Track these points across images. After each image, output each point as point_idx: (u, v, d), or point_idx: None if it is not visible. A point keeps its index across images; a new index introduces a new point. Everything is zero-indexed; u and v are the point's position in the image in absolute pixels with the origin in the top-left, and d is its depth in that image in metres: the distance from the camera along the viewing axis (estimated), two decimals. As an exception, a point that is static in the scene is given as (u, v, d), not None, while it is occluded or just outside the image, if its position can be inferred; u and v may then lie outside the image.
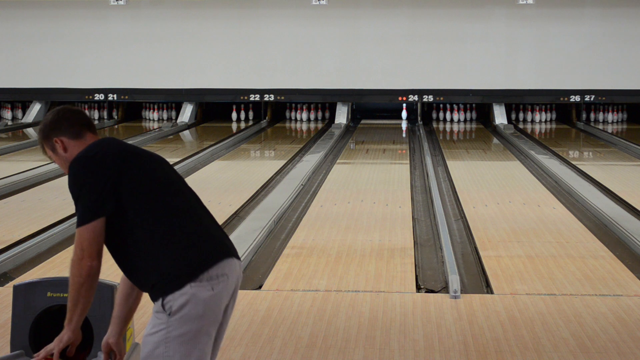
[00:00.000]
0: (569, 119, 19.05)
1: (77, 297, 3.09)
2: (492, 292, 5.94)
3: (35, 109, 19.08)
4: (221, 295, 3.09)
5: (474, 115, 19.42)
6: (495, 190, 10.14)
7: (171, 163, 11.98)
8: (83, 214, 3.05)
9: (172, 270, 3.05)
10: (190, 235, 3.09)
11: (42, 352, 3.22)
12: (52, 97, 19.15)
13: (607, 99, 18.48)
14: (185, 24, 18.57)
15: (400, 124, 19.06)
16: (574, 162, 12.40)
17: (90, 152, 3.11)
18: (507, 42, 18.39)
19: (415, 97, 18.54)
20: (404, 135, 17.24)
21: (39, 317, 3.52)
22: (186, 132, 17.55)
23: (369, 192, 10.00)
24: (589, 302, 5.66)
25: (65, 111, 3.24)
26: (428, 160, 12.45)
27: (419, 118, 18.79)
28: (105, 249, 3.13)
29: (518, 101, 18.88)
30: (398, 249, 7.17)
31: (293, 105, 19.40)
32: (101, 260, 3.08)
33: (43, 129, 3.25)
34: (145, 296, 3.18)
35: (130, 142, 15.99)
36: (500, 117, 18.23)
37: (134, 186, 3.08)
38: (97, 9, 18.62)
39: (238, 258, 3.21)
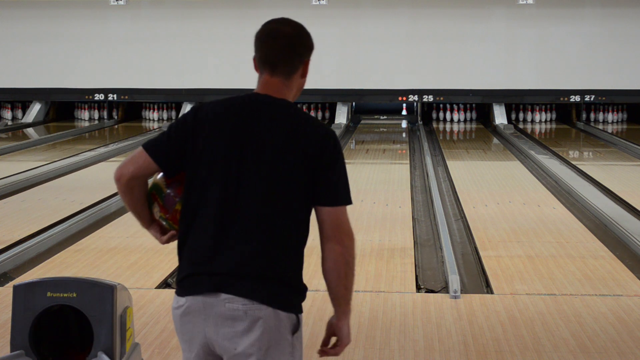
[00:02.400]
0: (569, 119, 19.05)
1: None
2: (492, 292, 5.94)
3: (35, 109, 19.08)
4: (184, 321, 2.79)
5: (474, 115, 19.42)
6: (495, 190, 10.13)
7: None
8: (145, 142, 2.87)
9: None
10: (188, 246, 2.81)
11: None
12: (52, 97, 19.15)
13: (607, 99, 18.47)
14: (185, 24, 18.57)
15: (400, 124, 19.07)
16: (574, 162, 12.40)
17: (191, 110, 2.85)
18: (507, 42, 18.39)
19: (415, 97, 18.54)
20: (404, 135, 17.23)
21: (39, 317, 3.52)
22: (186, 132, 17.53)
23: (369, 192, 10.00)
24: (589, 302, 5.66)
25: (264, 34, 2.86)
26: (428, 160, 12.45)
27: (419, 118, 18.79)
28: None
29: (518, 101, 18.88)
30: (398, 249, 7.17)
31: (293, 105, 19.37)
32: (122, 177, 2.82)
33: None
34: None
35: (130, 142, 15.94)
36: (500, 117, 18.23)
37: (190, 164, 2.81)
38: (97, 9, 18.62)
39: (222, 292, 2.74)
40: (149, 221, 2.95)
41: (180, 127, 2.82)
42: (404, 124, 19.14)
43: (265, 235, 2.74)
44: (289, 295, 2.81)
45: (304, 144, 2.76)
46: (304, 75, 2.88)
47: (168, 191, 2.91)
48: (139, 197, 2.89)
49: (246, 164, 2.75)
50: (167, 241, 2.95)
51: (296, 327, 2.83)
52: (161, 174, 2.91)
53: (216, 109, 2.82)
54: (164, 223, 2.95)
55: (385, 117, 19.63)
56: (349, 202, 2.82)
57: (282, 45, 2.83)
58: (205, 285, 2.74)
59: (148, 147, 2.84)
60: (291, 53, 2.84)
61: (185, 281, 2.80)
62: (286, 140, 2.76)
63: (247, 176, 2.75)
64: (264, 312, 2.73)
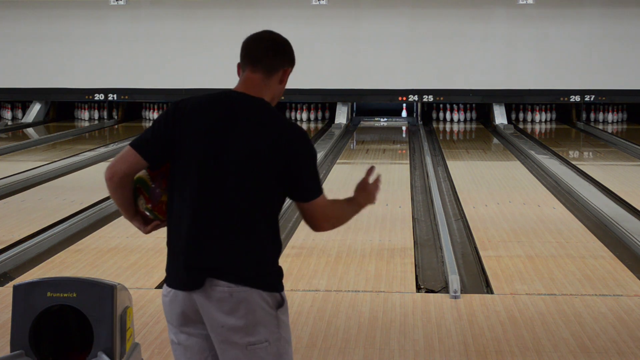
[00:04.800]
0: (569, 119, 19.05)
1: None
2: (492, 292, 5.94)
3: (35, 109, 19.08)
4: (167, 306, 2.99)
5: (474, 115, 19.42)
6: (495, 190, 10.14)
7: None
8: (133, 140, 3.01)
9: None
10: (171, 239, 2.97)
11: None
12: (52, 97, 19.15)
13: (607, 99, 18.47)
14: (185, 24, 18.57)
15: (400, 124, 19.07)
16: (574, 162, 12.40)
17: (172, 105, 2.99)
18: (507, 42, 18.39)
19: (415, 97, 18.54)
20: (404, 135, 17.24)
21: (39, 317, 3.52)
22: (186, 132, 17.52)
23: (369, 192, 9.98)
24: (589, 302, 5.66)
25: (249, 38, 3.02)
26: (428, 160, 12.45)
27: (419, 118, 18.79)
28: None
29: (518, 101, 18.88)
30: (398, 249, 7.17)
31: (293, 105, 19.40)
32: (115, 175, 2.96)
33: None
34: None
35: (130, 142, 16.12)
36: (500, 117, 18.23)
37: (173, 157, 2.94)
38: (97, 9, 18.62)
39: (195, 288, 2.91)
40: (133, 213, 3.07)
41: (162, 121, 2.97)
42: (404, 114, 19.18)
43: (241, 227, 2.87)
44: (268, 277, 2.92)
45: (274, 142, 2.88)
46: (282, 82, 3.00)
47: (153, 185, 3.02)
48: (129, 194, 3.01)
49: (220, 159, 2.88)
50: (151, 230, 3.09)
51: (280, 303, 2.95)
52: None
53: (195, 103, 2.95)
54: (149, 214, 3.05)
55: (385, 117, 19.63)
56: (319, 194, 2.94)
57: (267, 46, 2.98)
58: (183, 280, 2.92)
59: (135, 144, 2.97)
60: (275, 53, 2.99)
61: (169, 272, 2.98)
62: (258, 138, 2.88)
63: (221, 170, 2.88)
64: (247, 293, 2.87)
